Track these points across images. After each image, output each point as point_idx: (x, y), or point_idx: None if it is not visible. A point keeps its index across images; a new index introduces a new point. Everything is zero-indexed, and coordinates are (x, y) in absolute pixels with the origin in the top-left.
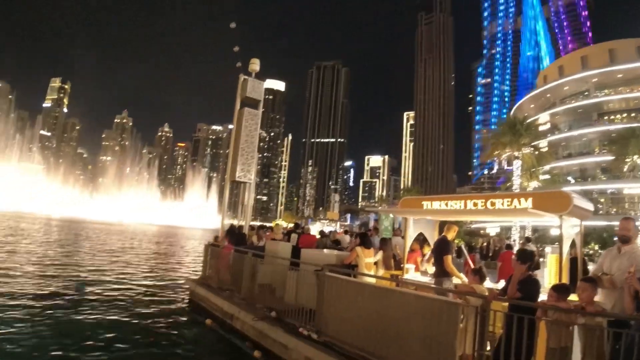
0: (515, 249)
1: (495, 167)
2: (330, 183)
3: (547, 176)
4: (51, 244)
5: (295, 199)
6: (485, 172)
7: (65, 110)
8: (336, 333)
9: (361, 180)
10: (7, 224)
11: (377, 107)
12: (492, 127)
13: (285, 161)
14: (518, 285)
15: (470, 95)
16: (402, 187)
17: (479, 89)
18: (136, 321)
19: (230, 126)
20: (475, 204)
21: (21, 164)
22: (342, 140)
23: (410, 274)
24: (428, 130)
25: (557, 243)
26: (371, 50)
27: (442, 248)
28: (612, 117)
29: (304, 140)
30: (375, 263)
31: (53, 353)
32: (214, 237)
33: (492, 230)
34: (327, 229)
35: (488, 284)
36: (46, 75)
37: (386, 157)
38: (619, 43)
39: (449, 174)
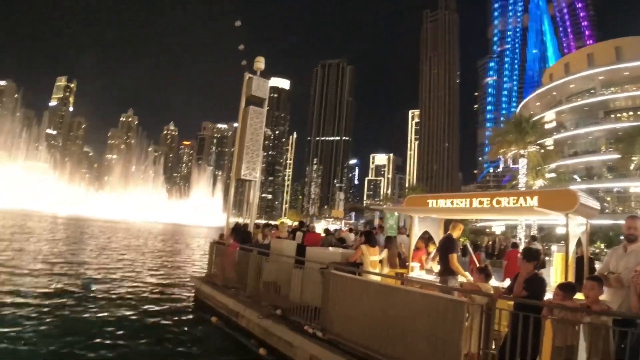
0: (521, 247)
1: (501, 166)
2: (335, 181)
3: (553, 175)
4: (57, 242)
5: (300, 197)
6: (491, 170)
7: (71, 109)
8: (341, 331)
9: (366, 179)
10: (14, 222)
11: (381, 105)
12: (501, 125)
13: (290, 159)
14: (524, 283)
15: (476, 93)
16: (407, 185)
17: (489, 90)
18: (142, 319)
19: (235, 124)
20: (480, 202)
21: (27, 163)
22: (347, 138)
23: (416, 272)
24: (433, 128)
25: (563, 242)
26: (376, 48)
27: (447, 246)
28: (618, 115)
29: (308, 138)
30: (381, 261)
31: (59, 351)
32: (220, 235)
33: (498, 228)
34: (332, 227)
35: (494, 282)
36: (51, 74)
37: (391, 155)
38: (625, 40)
39: (454, 172)
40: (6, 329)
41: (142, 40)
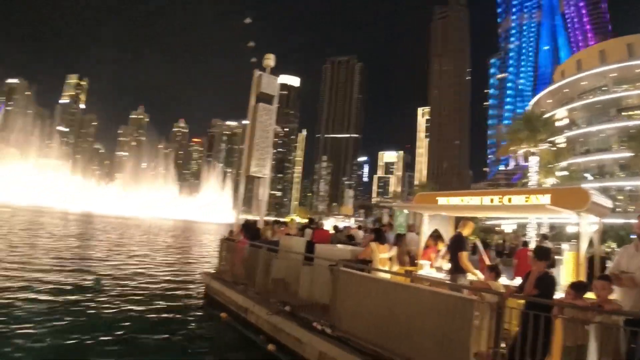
0: (532, 246)
1: (512, 164)
2: (344, 178)
3: (564, 172)
4: (69, 238)
5: (309, 194)
6: (502, 167)
7: (82, 106)
8: (350, 328)
9: (375, 176)
10: (26, 219)
11: (391, 103)
12: (506, 122)
13: (300, 156)
14: (535, 282)
15: (486, 90)
16: (416, 183)
17: (491, 89)
18: (152, 315)
19: (245, 122)
20: (491, 200)
21: (39, 160)
22: (357, 135)
23: (425, 270)
24: (443, 125)
25: (574, 240)
26: (385, 45)
27: (457, 244)
28: (630, 112)
29: (318, 135)
30: (390, 259)
31: (70, 346)
32: (229, 231)
33: (508, 227)
34: (340, 225)
35: (504, 281)
36: (62, 72)
37: (400, 152)
38: (637, 37)
39: (464, 169)
40: (19, 325)
41: (152, 38)
